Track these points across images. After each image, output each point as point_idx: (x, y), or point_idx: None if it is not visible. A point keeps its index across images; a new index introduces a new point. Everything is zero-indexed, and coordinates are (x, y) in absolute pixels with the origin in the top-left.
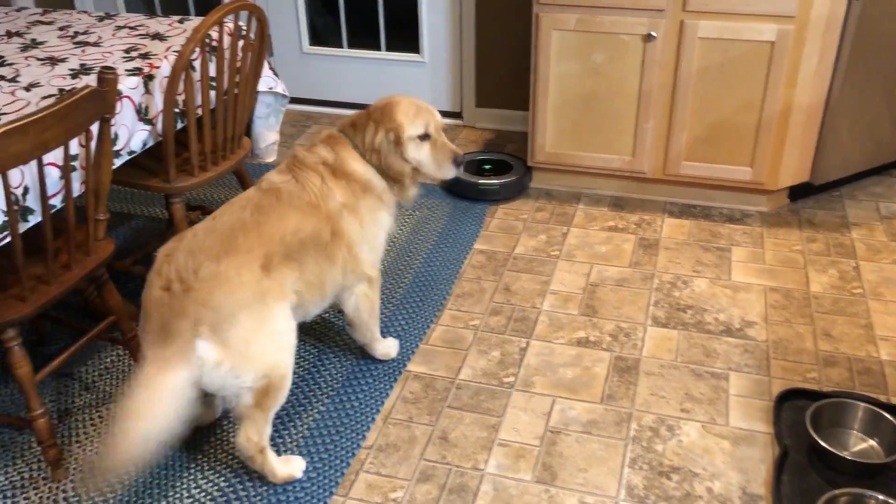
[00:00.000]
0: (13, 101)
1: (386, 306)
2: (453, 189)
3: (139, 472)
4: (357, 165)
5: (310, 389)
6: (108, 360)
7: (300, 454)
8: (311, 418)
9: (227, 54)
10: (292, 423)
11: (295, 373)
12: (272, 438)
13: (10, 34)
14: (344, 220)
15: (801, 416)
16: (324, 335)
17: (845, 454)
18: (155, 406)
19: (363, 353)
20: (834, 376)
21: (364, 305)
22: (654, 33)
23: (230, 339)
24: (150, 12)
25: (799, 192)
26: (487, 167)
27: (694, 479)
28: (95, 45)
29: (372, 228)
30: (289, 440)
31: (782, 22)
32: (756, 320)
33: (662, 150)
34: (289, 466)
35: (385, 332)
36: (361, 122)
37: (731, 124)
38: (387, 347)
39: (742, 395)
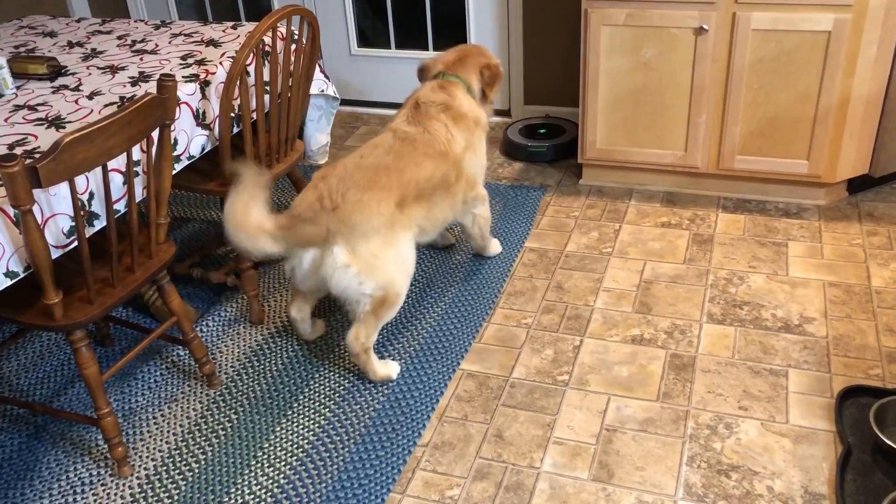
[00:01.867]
0: (77, 110)
1: (438, 305)
2: (507, 151)
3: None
4: (470, 105)
5: (365, 388)
6: (169, 360)
7: (356, 451)
8: (367, 416)
9: (280, 58)
10: (348, 421)
11: (350, 370)
12: (327, 452)
13: (71, 44)
14: (465, 160)
15: (864, 414)
16: (378, 335)
17: None
18: (244, 237)
19: (417, 353)
20: None
21: (482, 221)
22: (705, 26)
23: (360, 250)
24: (202, 19)
25: (858, 185)
26: (542, 131)
27: (754, 477)
28: (153, 52)
29: (482, 156)
30: (346, 437)
31: (839, 11)
32: (815, 316)
33: (716, 144)
34: (386, 368)
35: (437, 334)
36: (465, 63)
37: (786, 117)
38: (496, 247)
39: (802, 393)
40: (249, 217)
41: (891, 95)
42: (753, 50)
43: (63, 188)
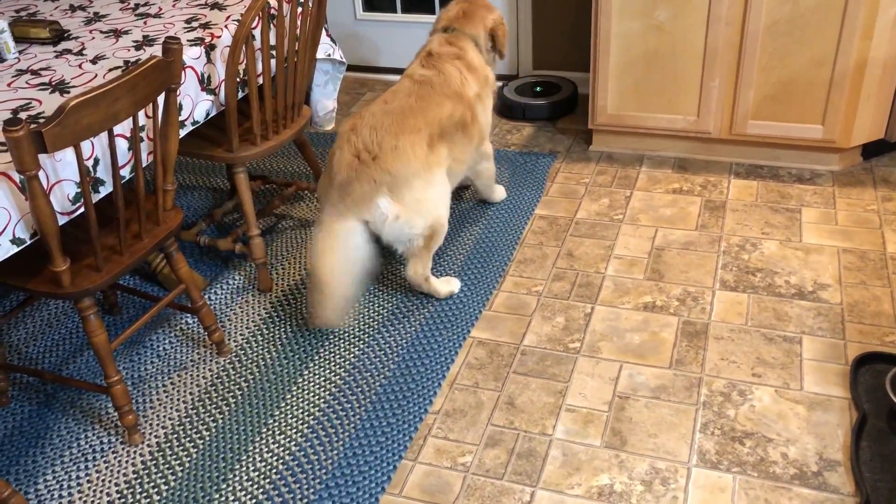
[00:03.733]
0: (81, 74)
1: (447, 272)
2: (503, 112)
3: (350, 304)
4: (479, 61)
5: (375, 356)
6: (178, 328)
7: (367, 419)
8: (377, 384)
9: (286, 22)
10: (359, 388)
11: (360, 339)
12: (338, 419)
13: (73, 8)
14: (477, 107)
15: (880, 381)
16: (387, 303)
17: None
18: (335, 245)
19: (427, 321)
20: None
21: (488, 174)
22: None
23: (405, 198)
24: None
25: (873, 150)
26: (538, 89)
27: (768, 444)
28: (156, 16)
29: (489, 111)
30: (357, 405)
31: None
32: (829, 283)
33: (728, 109)
34: (449, 285)
35: (448, 301)
36: (471, 18)
37: (801, 81)
38: (501, 193)
39: (816, 360)
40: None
41: None
42: (769, 12)
43: (68, 154)
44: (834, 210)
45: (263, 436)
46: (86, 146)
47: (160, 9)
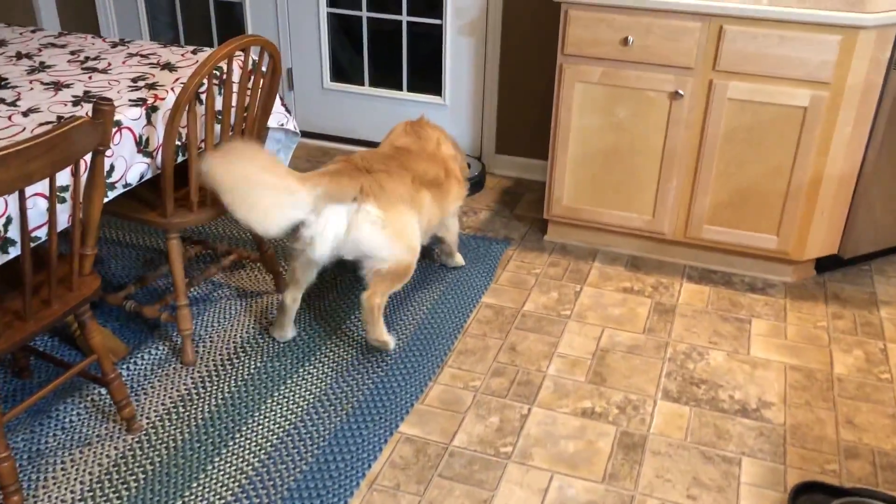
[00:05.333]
0: (8, 126)
1: (384, 360)
2: None
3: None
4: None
5: (294, 446)
6: (89, 399)
7: None
8: (292, 478)
9: (235, 88)
10: (272, 482)
11: (281, 426)
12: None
13: (20, 55)
14: (450, 164)
15: None
16: (315, 388)
17: None
18: (270, 198)
19: (354, 410)
20: (856, 470)
21: (454, 232)
22: (681, 91)
23: (390, 213)
24: (174, 40)
25: (826, 265)
26: None
27: None
28: (104, 71)
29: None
30: (266, 500)
31: (817, 88)
32: (774, 401)
33: (684, 211)
34: (388, 337)
35: (379, 391)
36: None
37: (757, 190)
38: (460, 259)
39: (754, 485)
40: (280, 170)
41: (864, 176)
42: (728, 119)
43: None
44: (784, 324)
45: (207, 475)
46: None
47: (109, 64)
